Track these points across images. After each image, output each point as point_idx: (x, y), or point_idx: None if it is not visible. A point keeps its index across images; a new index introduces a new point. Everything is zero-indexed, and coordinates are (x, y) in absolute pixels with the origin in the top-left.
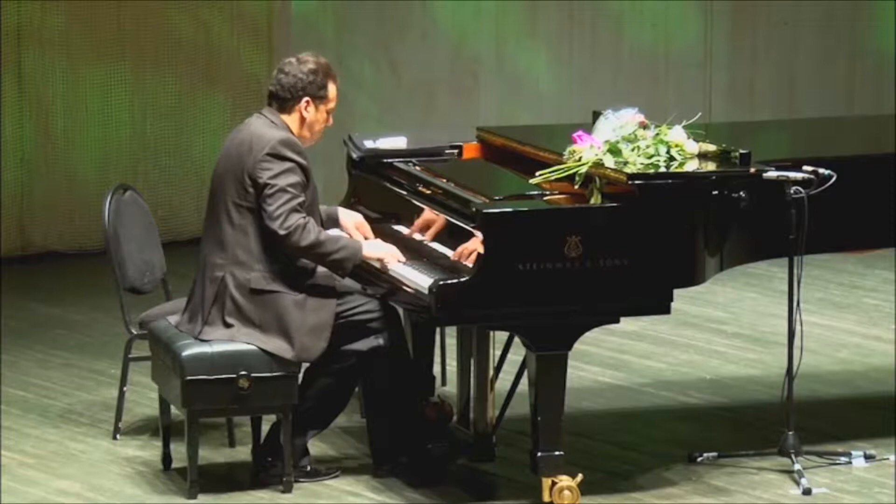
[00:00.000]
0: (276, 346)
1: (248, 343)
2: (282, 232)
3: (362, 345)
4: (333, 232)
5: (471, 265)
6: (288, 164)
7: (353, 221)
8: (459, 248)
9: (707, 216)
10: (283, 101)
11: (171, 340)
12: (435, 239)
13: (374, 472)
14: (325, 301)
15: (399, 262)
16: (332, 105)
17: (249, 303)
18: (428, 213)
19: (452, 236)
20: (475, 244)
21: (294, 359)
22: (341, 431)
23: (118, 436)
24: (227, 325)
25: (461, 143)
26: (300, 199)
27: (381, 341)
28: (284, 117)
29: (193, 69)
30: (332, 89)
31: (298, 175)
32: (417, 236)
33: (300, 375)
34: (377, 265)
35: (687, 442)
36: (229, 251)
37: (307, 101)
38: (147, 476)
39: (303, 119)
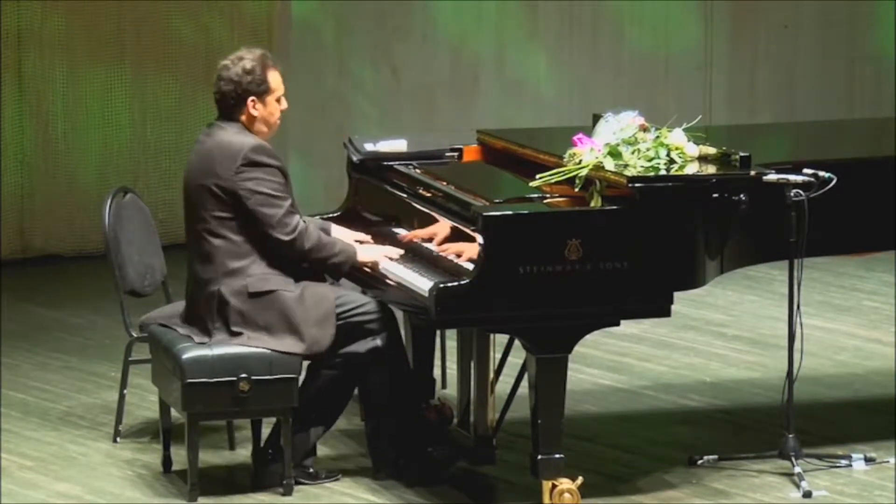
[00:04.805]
0: (287, 344)
1: (260, 347)
2: (287, 238)
3: (360, 346)
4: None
5: (454, 260)
6: (266, 170)
7: (346, 235)
8: (452, 245)
9: (707, 219)
10: (230, 108)
11: (171, 343)
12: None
13: (374, 475)
14: (322, 293)
15: (394, 259)
16: (279, 93)
17: (251, 307)
18: (435, 226)
19: (455, 241)
20: (468, 246)
21: (306, 352)
22: (341, 434)
23: (118, 439)
24: (235, 334)
25: (461, 146)
26: (289, 201)
27: (378, 342)
28: (239, 121)
29: (193, 71)
30: (273, 79)
31: (278, 177)
32: (424, 244)
33: (300, 378)
34: (370, 268)
35: (687, 445)
36: (217, 263)
37: (252, 101)
38: (147, 479)
39: (253, 118)
